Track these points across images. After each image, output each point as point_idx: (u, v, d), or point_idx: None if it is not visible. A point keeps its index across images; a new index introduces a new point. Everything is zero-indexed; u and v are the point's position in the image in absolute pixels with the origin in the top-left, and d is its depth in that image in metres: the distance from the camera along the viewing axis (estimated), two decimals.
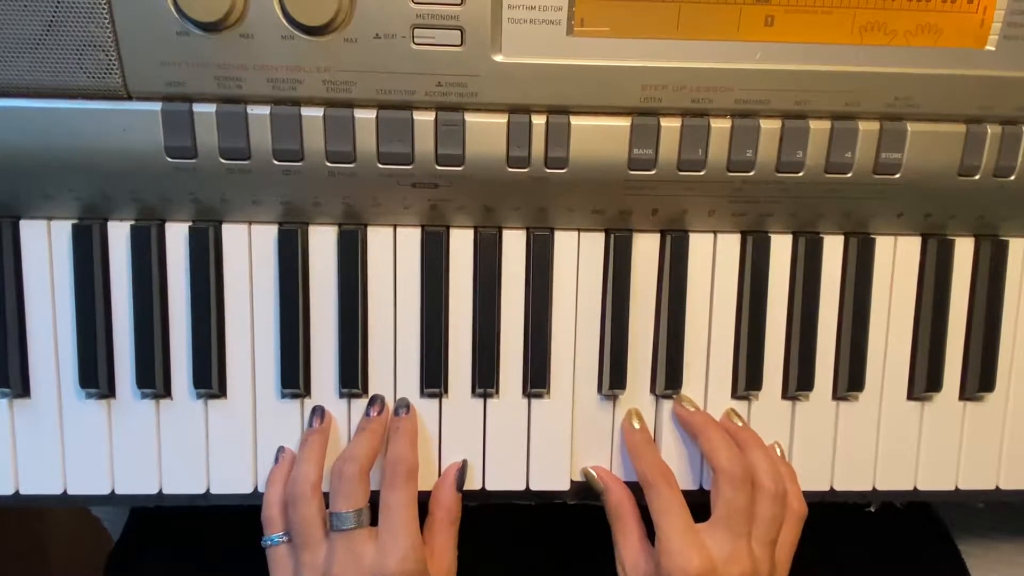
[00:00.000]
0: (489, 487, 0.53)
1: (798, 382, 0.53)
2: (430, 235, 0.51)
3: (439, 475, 0.53)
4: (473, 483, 0.53)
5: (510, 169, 0.48)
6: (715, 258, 0.53)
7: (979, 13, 0.47)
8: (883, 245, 0.53)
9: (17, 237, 0.50)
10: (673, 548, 0.47)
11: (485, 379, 0.52)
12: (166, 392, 0.51)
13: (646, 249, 0.52)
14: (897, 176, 0.50)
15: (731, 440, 0.51)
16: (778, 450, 0.54)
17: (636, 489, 0.52)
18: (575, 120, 0.47)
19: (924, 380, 0.54)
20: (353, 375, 0.51)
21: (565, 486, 0.54)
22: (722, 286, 0.53)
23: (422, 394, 0.52)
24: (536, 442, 0.53)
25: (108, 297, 0.51)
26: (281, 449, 0.52)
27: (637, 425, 0.53)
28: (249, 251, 0.51)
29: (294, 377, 0.51)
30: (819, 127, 0.48)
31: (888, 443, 0.55)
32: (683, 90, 0.47)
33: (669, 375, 0.53)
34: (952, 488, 0.56)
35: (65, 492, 0.52)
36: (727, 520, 0.48)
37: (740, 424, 0.53)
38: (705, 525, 0.48)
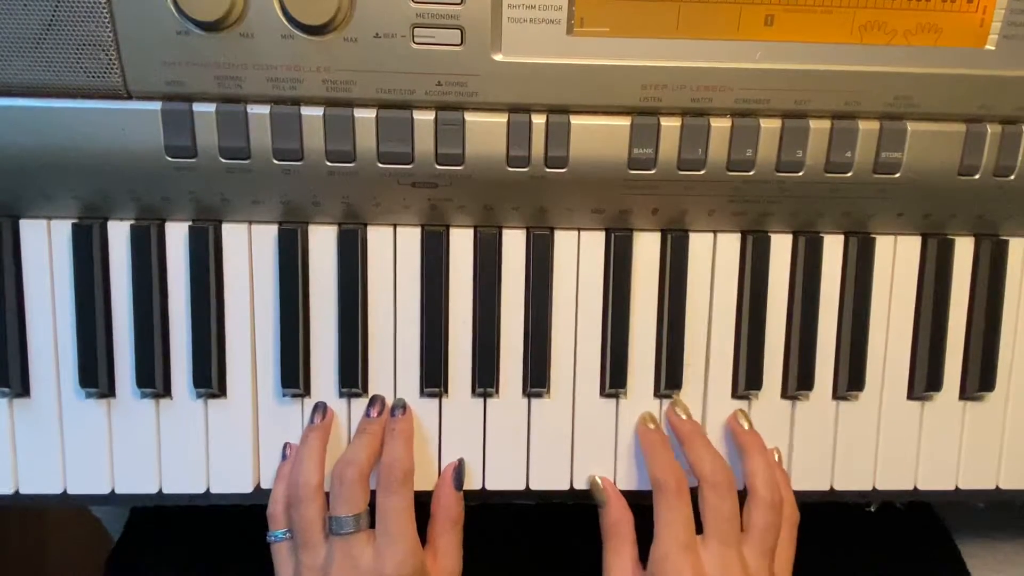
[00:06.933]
0: (489, 487, 0.53)
1: (798, 382, 0.53)
2: (430, 235, 0.51)
3: (439, 475, 0.53)
4: (473, 483, 0.53)
5: (510, 169, 0.48)
6: (715, 258, 0.53)
7: (979, 13, 0.47)
8: (883, 245, 0.53)
9: (17, 237, 0.50)
10: (669, 565, 0.47)
11: (485, 379, 0.52)
12: (166, 392, 0.51)
13: (646, 249, 0.52)
14: (897, 176, 0.50)
15: (715, 450, 0.51)
16: (776, 455, 0.54)
17: (635, 501, 0.52)
18: (575, 120, 0.47)
19: (924, 380, 0.54)
20: (353, 375, 0.51)
21: (565, 486, 0.54)
22: (722, 286, 0.53)
23: (422, 394, 0.52)
24: (536, 442, 0.53)
25: (108, 297, 0.51)
26: (288, 445, 0.52)
27: (652, 426, 0.52)
28: (249, 251, 0.51)
29: (294, 377, 0.51)
30: (819, 127, 0.48)
31: (888, 443, 0.55)
32: (683, 90, 0.47)
33: (669, 375, 0.53)
34: (952, 488, 0.56)
35: (65, 492, 0.52)
36: (716, 530, 0.48)
37: (746, 427, 0.53)
38: (699, 539, 0.48)
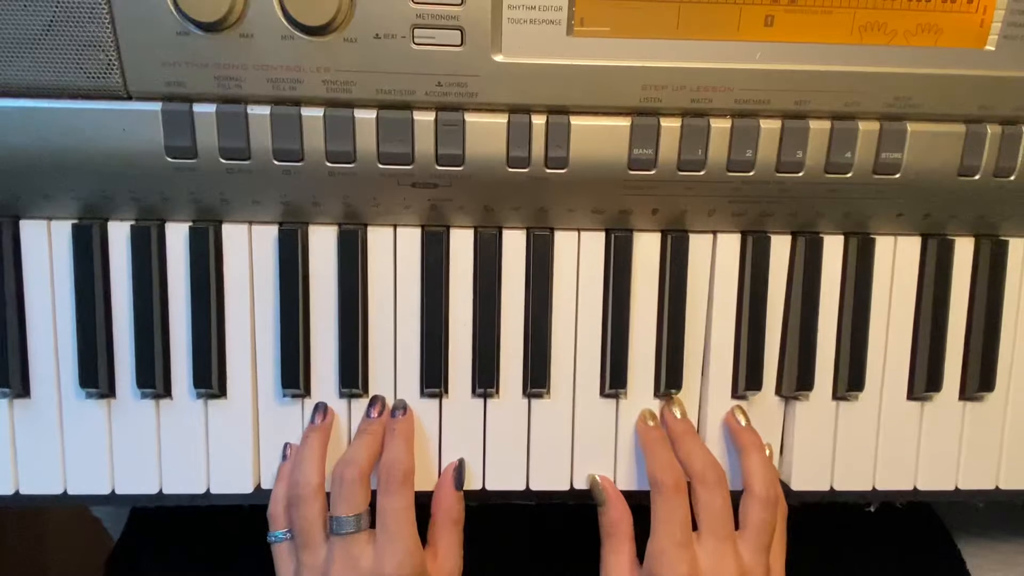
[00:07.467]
0: (489, 487, 0.53)
1: (798, 382, 0.53)
2: (430, 235, 0.51)
3: (439, 475, 0.53)
4: (473, 483, 0.53)
5: (510, 169, 0.48)
6: (715, 258, 0.53)
7: (979, 13, 0.47)
8: (883, 245, 0.53)
9: (17, 237, 0.50)
10: (665, 561, 0.47)
11: (485, 379, 0.52)
12: (166, 392, 0.51)
13: (646, 249, 0.52)
14: (897, 176, 0.50)
15: (706, 448, 0.51)
16: (767, 451, 0.54)
17: (635, 501, 0.52)
18: (575, 120, 0.47)
19: (924, 380, 0.54)
20: (353, 375, 0.51)
21: (565, 486, 0.54)
22: (722, 286, 0.53)
23: (422, 394, 0.52)
24: (536, 442, 0.53)
25: (108, 297, 0.50)
26: (288, 446, 0.52)
27: (651, 423, 0.53)
28: (249, 251, 0.51)
29: (294, 377, 0.51)
30: (819, 127, 0.48)
31: (888, 443, 0.55)
32: (683, 90, 0.47)
33: (669, 375, 0.53)
34: (952, 488, 0.56)
35: (65, 492, 0.52)
36: (710, 526, 0.48)
37: (743, 424, 0.53)
38: (695, 535, 0.49)
